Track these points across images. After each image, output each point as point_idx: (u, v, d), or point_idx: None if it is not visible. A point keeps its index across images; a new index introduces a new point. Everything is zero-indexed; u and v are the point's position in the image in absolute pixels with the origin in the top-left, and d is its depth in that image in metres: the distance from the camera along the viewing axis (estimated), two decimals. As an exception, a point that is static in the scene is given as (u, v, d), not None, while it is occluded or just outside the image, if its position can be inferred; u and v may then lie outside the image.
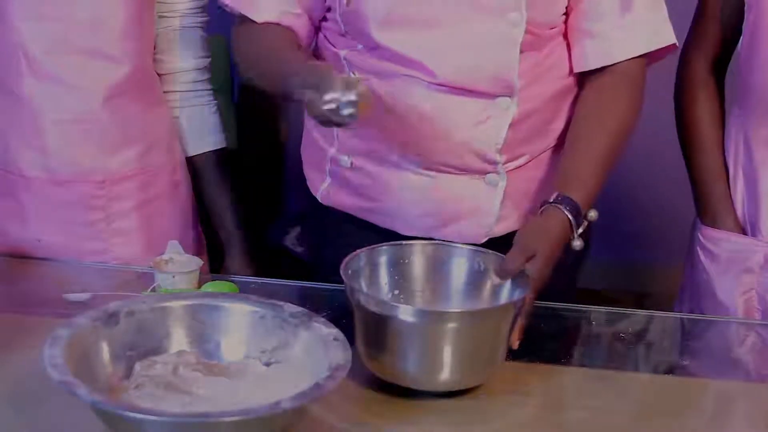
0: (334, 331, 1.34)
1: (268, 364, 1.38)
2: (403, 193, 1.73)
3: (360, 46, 1.69)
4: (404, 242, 1.58)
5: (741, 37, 1.82)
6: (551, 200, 1.57)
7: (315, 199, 1.85)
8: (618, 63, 1.70)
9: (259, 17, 1.71)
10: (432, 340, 1.39)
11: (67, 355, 1.25)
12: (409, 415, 1.39)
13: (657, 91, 1.87)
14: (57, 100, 1.78)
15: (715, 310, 1.84)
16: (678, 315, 1.87)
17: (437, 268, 1.55)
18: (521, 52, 1.64)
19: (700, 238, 1.88)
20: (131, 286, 1.67)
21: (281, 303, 1.41)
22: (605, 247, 2.34)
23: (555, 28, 1.70)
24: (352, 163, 1.76)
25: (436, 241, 1.62)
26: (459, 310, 1.49)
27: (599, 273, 2.79)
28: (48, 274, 1.78)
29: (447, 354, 1.39)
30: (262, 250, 2.26)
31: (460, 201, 1.72)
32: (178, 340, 1.40)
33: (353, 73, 1.69)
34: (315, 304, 1.52)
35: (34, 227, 1.83)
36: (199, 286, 1.62)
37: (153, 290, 1.61)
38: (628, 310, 1.76)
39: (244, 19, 1.73)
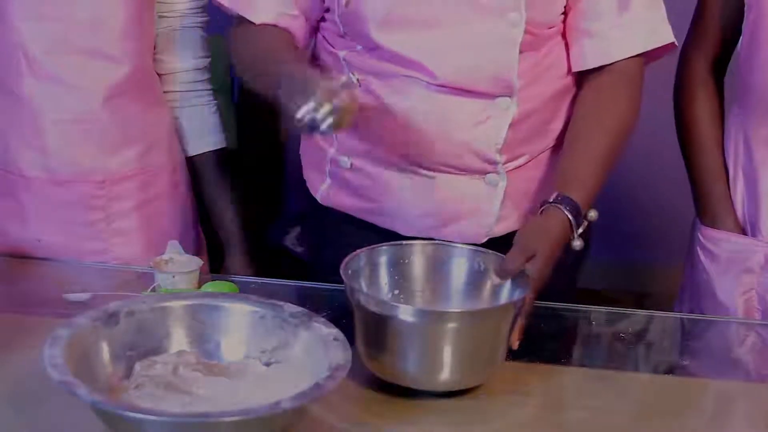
0: (334, 331, 1.34)
1: (268, 364, 1.38)
2: (403, 194, 1.73)
3: (359, 47, 1.69)
4: (404, 242, 1.58)
5: (741, 37, 1.82)
6: (551, 200, 1.57)
7: (315, 199, 1.85)
8: (616, 62, 1.70)
9: (256, 18, 1.71)
10: (432, 340, 1.39)
11: (67, 355, 1.25)
12: (409, 415, 1.39)
13: (656, 90, 1.87)
14: (57, 100, 1.78)
15: (715, 310, 1.84)
16: (678, 315, 1.87)
17: (437, 268, 1.55)
18: (520, 52, 1.64)
19: (700, 238, 1.88)
20: (131, 286, 1.67)
21: (281, 303, 1.41)
22: (605, 247, 2.34)
23: (553, 27, 1.70)
24: (351, 164, 1.76)
25: (436, 241, 1.62)
26: (459, 310, 1.48)
27: (599, 273, 2.79)
28: (48, 274, 1.78)
29: (447, 354, 1.39)
30: (262, 250, 2.25)
31: (460, 201, 1.72)
32: (178, 340, 1.39)
33: (352, 73, 1.69)
34: (315, 304, 1.52)
35: (34, 227, 1.83)
36: (199, 286, 1.62)
37: (153, 290, 1.61)
38: (628, 310, 1.76)
39: (241, 20, 1.73)
